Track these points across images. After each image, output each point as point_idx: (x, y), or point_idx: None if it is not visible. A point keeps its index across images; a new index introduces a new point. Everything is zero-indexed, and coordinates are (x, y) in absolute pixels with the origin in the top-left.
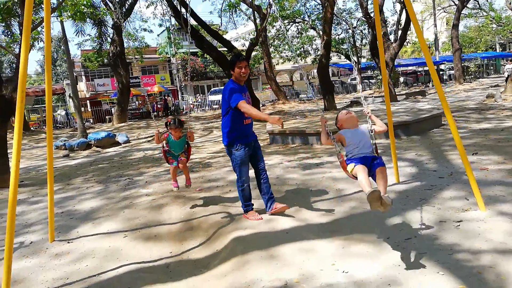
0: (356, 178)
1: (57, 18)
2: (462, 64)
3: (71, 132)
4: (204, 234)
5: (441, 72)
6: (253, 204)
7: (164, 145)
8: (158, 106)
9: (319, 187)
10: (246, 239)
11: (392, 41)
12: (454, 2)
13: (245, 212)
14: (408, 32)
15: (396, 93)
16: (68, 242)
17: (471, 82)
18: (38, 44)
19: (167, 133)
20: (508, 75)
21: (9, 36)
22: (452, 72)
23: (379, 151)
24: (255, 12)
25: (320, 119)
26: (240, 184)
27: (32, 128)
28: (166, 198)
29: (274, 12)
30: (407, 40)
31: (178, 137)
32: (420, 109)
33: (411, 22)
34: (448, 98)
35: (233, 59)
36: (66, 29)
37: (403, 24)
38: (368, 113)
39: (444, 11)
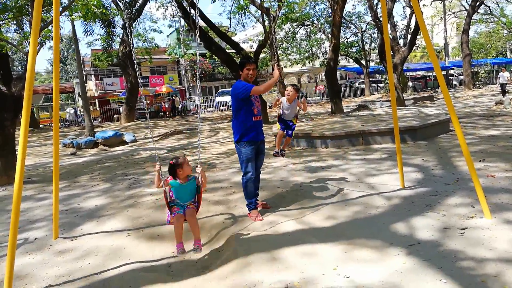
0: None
1: (67, 18)
2: (472, 70)
3: (79, 131)
4: (206, 235)
5: (450, 78)
6: (257, 203)
7: (167, 190)
8: (165, 106)
9: (323, 191)
10: (248, 241)
11: (402, 45)
12: (464, 7)
13: (248, 209)
14: (418, 37)
15: (404, 98)
16: (72, 240)
17: (480, 88)
18: (49, 42)
19: (170, 177)
20: (501, 84)
21: (20, 35)
22: (462, 77)
23: (384, 155)
24: (264, 14)
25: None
26: (245, 180)
27: (41, 126)
28: None
29: (283, 14)
30: (416, 45)
31: (186, 180)
32: (428, 114)
33: (420, 27)
34: (457, 104)
35: (242, 61)
36: (76, 28)
37: (412, 29)
38: (303, 100)
39: (455, 16)
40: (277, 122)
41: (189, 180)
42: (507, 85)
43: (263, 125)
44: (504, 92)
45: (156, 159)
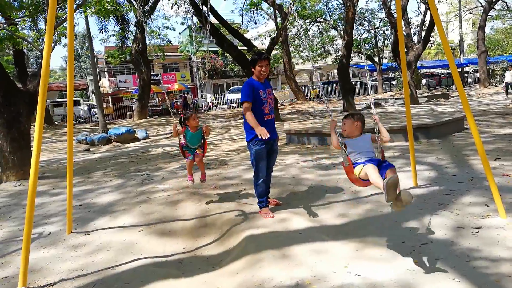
0: (362, 181)
1: (81, 14)
2: (488, 67)
3: (92, 127)
4: (217, 231)
5: (465, 75)
6: (268, 201)
7: (181, 138)
8: (177, 103)
9: (334, 188)
10: (259, 237)
11: (416, 42)
12: (481, 4)
13: (259, 207)
14: (433, 33)
15: (418, 96)
16: (85, 235)
17: (496, 86)
18: (64, 39)
19: (185, 126)
20: (508, 83)
21: (36, 32)
22: (477, 75)
23: (396, 153)
24: (276, 11)
25: (330, 122)
26: (256, 179)
27: (56, 122)
28: (182, 195)
29: (295, 11)
30: (431, 42)
31: (195, 129)
32: (442, 112)
33: (435, 24)
34: (472, 102)
35: (254, 57)
36: (90, 25)
37: (427, 25)
38: (375, 119)
39: (471, 13)
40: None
41: (197, 130)
42: None
43: (275, 122)
44: (507, 92)
45: (174, 117)
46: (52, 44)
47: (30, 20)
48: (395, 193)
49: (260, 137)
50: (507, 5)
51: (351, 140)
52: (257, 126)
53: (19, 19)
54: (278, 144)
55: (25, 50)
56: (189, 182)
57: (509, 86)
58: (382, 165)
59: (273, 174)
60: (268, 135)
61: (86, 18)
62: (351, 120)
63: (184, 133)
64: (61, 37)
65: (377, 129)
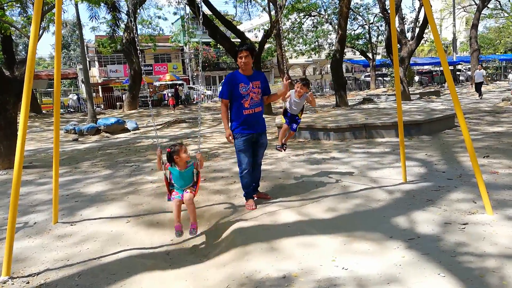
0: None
1: (71, 1)
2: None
3: (81, 117)
4: (206, 223)
5: (457, 73)
6: (254, 192)
7: (167, 174)
8: (169, 95)
9: (324, 183)
10: (248, 230)
11: (409, 38)
12: (474, 2)
13: (245, 199)
14: (426, 31)
15: (410, 92)
16: (72, 225)
17: (488, 84)
18: (53, 26)
19: (169, 164)
20: (477, 83)
21: (25, 18)
22: (469, 73)
23: (387, 149)
24: (271, 4)
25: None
26: (240, 171)
27: (44, 112)
28: None
29: (290, 4)
30: (424, 39)
31: (185, 167)
32: (433, 109)
33: (428, 21)
34: (463, 100)
35: (235, 49)
36: (80, 13)
37: (421, 22)
38: (310, 94)
39: (464, 11)
40: (282, 116)
41: (188, 166)
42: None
43: (267, 116)
44: (480, 92)
45: (158, 146)
46: (40, 31)
47: (19, 6)
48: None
49: (239, 130)
50: (500, 4)
51: (295, 98)
52: (226, 128)
53: (6, 4)
54: (269, 138)
55: (13, 37)
56: (176, 232)
57: (477, 86)
58: (293, 125)
59: (263, 167)
60: (232, 140)
61: (76, 4)
62: (304, 86)
63: (170, 171)
64: (50, 24)
65: (309, 99)
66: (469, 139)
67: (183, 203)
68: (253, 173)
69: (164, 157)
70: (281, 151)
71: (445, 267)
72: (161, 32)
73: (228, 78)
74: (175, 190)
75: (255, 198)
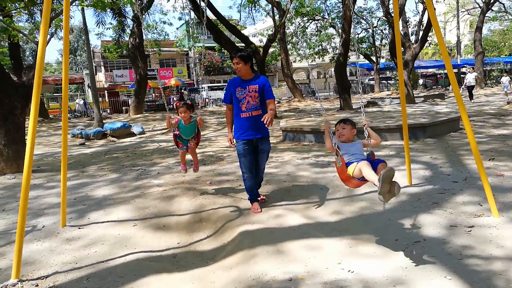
0: (355, 181)
1: (77, 7)
2: (484, 68)
3: (88, 122)
4: (212, 226)
5: (462, 76)
6: (258, 196)
7: (175, 129)
8: (174, 99)
9: (329, 186)
10: (254, 233)
11: (413, 41)
12: (478, 5)
13: (250, 202)
14: (430, 34)
15: (414, 95)
16: (79, 228)
17: (492, 87)
18: (60, 32)
19: (178, 117)
20: (469, 87)
21: (32, 24)
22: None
23: (391, 152)
24: (275, 8)
25: (324, 124)
26: (242, 175)
27: (51, 116)
28: (177, 190)
29: (293, 9)
30: (428, 42)
31: (188, 122)
32: (437, 112)
33: (432, 24)
34: (468, 103)
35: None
36: (87, 19)
37: (425, 25)
38: (365, 124)
39: (468, 13)
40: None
41: (190, 122)
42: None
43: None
44: (471, 96)
45: (167, 106)
46: (48, 37)
47: (26, 12)
48: (388, 186)
49: (240, 136)
50: (504, 7)
51: (345, 144)
52: (228, 132)
53: (14, 11)
54: (274, 141)
55: (21, 43)
56: (182, 171)
57: (469, 90)
58: (374, 162)
59: (268, 170)
60: (232, 144)
61: (82, 10)
62: (350, 127)
63: (178, 125)
64: (57, 30)
65: (367, 133)
66: (474, 142)
67: (187, 153)
68: (256, 177)
69: (174, 117)
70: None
71: (452, 270)
72: (166, 37)
73: (229, 83)
74: (181, 143)
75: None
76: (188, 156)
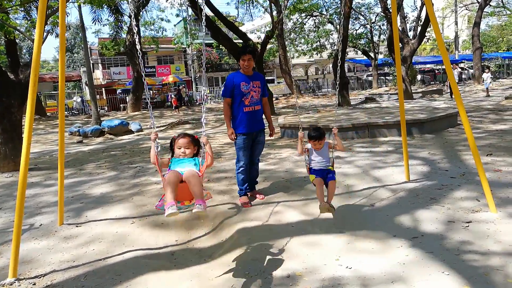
0: (314, 185)
1: (74, 4)
2: (482, 64)
3: (86, 119)
4: (210, 224)
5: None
6: (250, 190)
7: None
8: (176, 99)
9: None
10: (252, 230)
11: (411, 37)
12: (476, 0)
13: (239, 195)
14: (428, 29)
15: (412, 91)
16: (77, 226)
17: (490, 83)
18: (57, 28)
19: (169, 158)
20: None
21: (29, 21)
22: (472, 71)
23: (390, 148)
24: (272, 4)
25: (298, 134)
26: (237, 167)
27: (48, 114)
28: None
29: (291, 5)
30: (426, 37)
31: (189, 155)
32: (435, 107)
33: (430, 19)
34: (466, 98)
35: (239, 51)
36: (84, 16)
37: (423, 21)
38: (334, 133)
39: (466, 9)
40: (310, 175)
41: (191, 157)
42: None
43: (273, 115)
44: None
45: (153, 126)
46: (44, 34)
47: (22, 9)
48: (326, 210)
49: (241, 130)
50: (502, 2)
51: (315, 151)
52: (228, 126)
53: (10, 8)
54: (273, 138)
55: (17, 40)
56: (168, 209)
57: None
58: (328, 176)
59: (266, 167)
60: (234, 138)
61: (79, 7)
62: (318, 141)
63: (170, 164)
64: (54, 27)
65: (335, 141)
66: (472, 137)
67: (182, 181)
68: (250, 171)
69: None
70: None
71: (449, 266)
72: (164, 33)
73: (230, 77)
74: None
75: (249, 195)
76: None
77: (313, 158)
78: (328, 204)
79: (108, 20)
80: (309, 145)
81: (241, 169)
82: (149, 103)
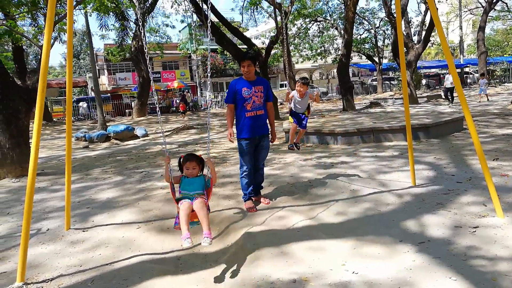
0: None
1: (81, 11)
2: (488, 68)
3: (91, 124)
4: (215, 228)
5: (465, 76)
6: (254, 194)
7: (174, 186)
8: (182, 104)
9: (333, 187)
10: (257, 235)
11: (416, 42)
12: (481, 4)
13: (243, 200)
14: (433, 34)
15: (418, 96)
16: (84, 231)
17: (496, 87)
18: (64, 35)
19: (181, 175)
20: (448, 88)
21: (36, 28)
22: (477, 75)
23: (395, 153)
24: (277, 10)
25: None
26: (241, 172)
27: (54, 120)
28: None
29: (295, 10)
30: (431, 42)
31: (195, 175)
32: (441, 112)
33: (434, 24)
34: (471, 102)
35: (239, 58)
36: (90, 23)
37: (427, 25)
38: (316, 94)
39: (471, 13)
40: (290, 116)
41: (198, 175)
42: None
43: (276, 120)
44: (452, 98)
45: (166, 152)
46: (51, 41)
47: (29, 16)
48: (292, 148)
49: (244, 135)
50: (507, 6)
51: (299, 98)
52: (228, 127)
53: (18, 15)
54: (277, 142)
55: (24, 47)
56: (184, 241)
57: (449, 92)
58: (302, 123)
59: (271, 172)
60: (232, 139)
61: (85, 14)
62: (304, 85)
63: (180, 182)
64: (61, 34)
65: (314, 95)
66: (478, 142)
67: (193, 210)
68: (255, 176)
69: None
70: (293, 149)
71: (457, 271)
72: (168, 40)
73: (232, 83)
74: (183, 199)
75: (254, 200)
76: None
77: (295, 104)
78: (294, 144)
79: (114, 26)
80: (294, 93)
81: (245, 173)
82: (157, 108)
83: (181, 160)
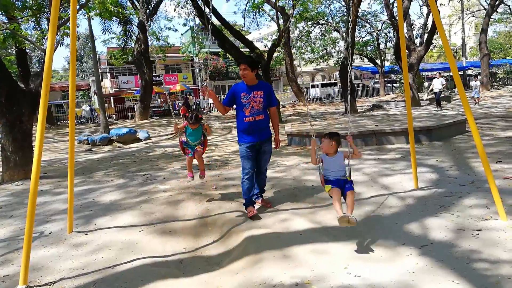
0: (330, 196)
1: (84, 16)
2: (490, 70)
3: (94, 128)
4: (218, 231)
5: (468, 78)
6: (253, 199)
7: (182, 135)
8: (183, 106)
9: None
10: (260, 238)
11: (418, 44)
12: (483, 7)
13: (244, 206)
14: (435, 36)
15: (420, 98)
16: (86, 234)
17: (499, 89)
18: (67, 38)
19: (185, 122)
20: (436, 92)
21: (39, 31)
22: (479, 78)
23: (397, 155)
24: (279, 13)
25: (311, 142)
26: (242, 176)
27: (58, 123)
28: (183, 195)
29: (297, 13)
30: (433, 44)
31: (196, 126)
32: (443, 114)
33: (436, 26)
34: (474, 105)
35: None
36: (93, 26)
37: (429, 28)
38: (349, 142)
39: (473, 16)
40: (325, 186)
41: (197, 127)
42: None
43: (278, 124)
44: (439, 102)
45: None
46: (55, 44)
47: (33, 20)
48: (346, 223)
49: (244, 140)
50: (509, 8)
51: (328, 158)
52: (212, 97)
53: (21, 19)
54: (280, 145)
55: (27, 50)
56: (188, 178)
57: (436, 96)
58: (345, 186)
59: (274, 175)
60: (205, 92)
61: (89, 18)
62: (328, 140)
63: (185, 129)
64: (64, 37)
65: (351, 149)
66: (481, 145)
67: (195, 158)
68: (257, 180)
69: (180, 123)
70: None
71: (459, 274)
72: (168, 45)
73: (232, 88)
74: (188, 148)
75: (256, 203)
76: (194, 161)
77: (327, 167)
78: (348, 217)
79: (115, 33)
80: (321, 153)
81: (246, 177)
82: (168, 100)
83: (186, 116)
